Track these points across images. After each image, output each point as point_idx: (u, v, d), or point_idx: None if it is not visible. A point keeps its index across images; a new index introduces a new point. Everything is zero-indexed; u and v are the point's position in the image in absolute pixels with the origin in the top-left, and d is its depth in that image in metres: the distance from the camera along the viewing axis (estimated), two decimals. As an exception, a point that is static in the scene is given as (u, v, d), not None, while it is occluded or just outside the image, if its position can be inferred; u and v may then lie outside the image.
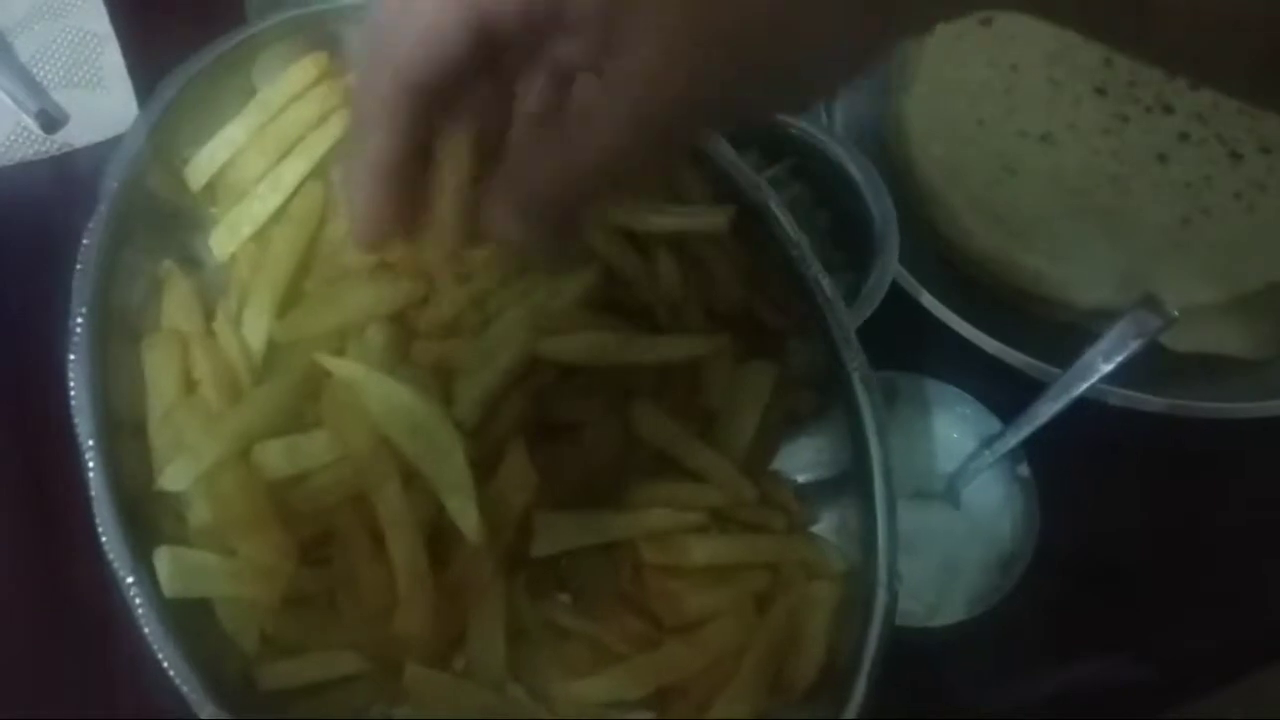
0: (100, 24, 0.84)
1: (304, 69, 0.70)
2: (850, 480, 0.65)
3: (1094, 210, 0.86)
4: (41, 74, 0.83)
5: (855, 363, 0.65)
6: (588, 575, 0.62)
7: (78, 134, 0.80)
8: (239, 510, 0.58)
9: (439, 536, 0.59)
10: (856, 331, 0.71)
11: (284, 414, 0.62)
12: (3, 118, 0.80)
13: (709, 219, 0.67)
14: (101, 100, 0.80)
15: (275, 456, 0.61)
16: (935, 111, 0.91)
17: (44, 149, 0.80)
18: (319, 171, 0.68)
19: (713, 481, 0.64)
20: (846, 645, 0.61)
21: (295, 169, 0.67)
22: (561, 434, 0.64)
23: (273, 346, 0.65)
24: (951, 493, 0.78)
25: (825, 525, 0.66)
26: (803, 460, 0.68)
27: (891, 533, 0.62)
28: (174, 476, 0.59)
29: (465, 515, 0.56)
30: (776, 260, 0.68)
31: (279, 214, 0.67)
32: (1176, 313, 0.75)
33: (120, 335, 0.62)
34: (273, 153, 0.68)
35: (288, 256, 0.66)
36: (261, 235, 0.66)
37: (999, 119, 0.90)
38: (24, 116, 0.79)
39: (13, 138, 0.80)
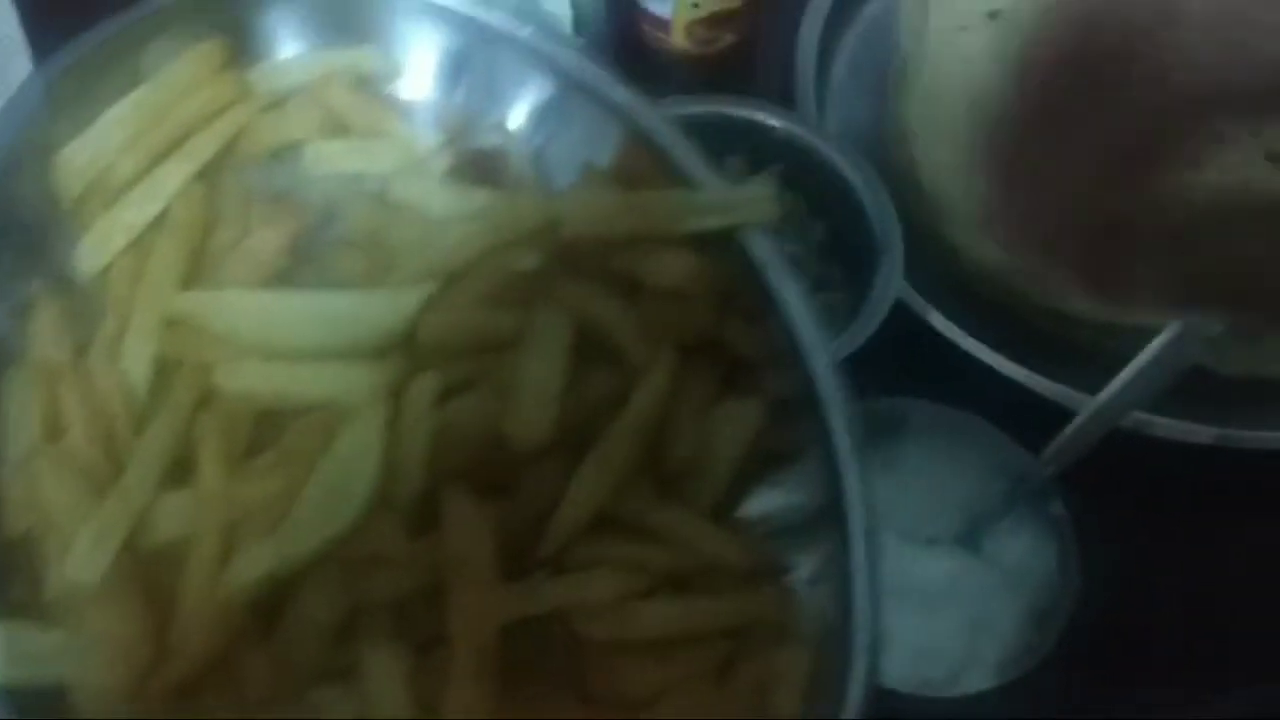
0: (8, 27, 0.76)
1: (199, 57, 0.62)
2: (825, 523, 0.55)
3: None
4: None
5: (827, 385, 0.56)
6: (516, 653, 0.52)
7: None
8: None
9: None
10: (857, 355, 0.67)
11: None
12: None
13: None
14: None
15: (171, 516, 0.52)
16: (940, 111, 0.83)
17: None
18: (206, 174, 0.60)
19: (675, 540, 0.55)
20: (823, 722, 0.51)
21: (177, 172, 0.59)
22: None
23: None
24: (973, 538, 0.68)
25: (801, 576, 0.57)
26: (772, 500, 0.59)
27: (873, 584, 0.52)
28: (83, 565, 0.50)
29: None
30: (744, 275, 0.59)
31: (157, 223, 0.58)
32: (1223, 329, 0.67)
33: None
34: (153, 153, 0.59)
35: (171, 273, 0.57)
36: (138, 247, 0.58)
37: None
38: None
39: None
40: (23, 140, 0.57)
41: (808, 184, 0.77)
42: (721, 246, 0.59)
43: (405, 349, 0.56)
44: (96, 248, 0.58)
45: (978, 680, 0.64)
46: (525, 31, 0.63)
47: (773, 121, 0.77)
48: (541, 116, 0.65)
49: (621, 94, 0.62)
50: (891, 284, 0.71)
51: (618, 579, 0.54)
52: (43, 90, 0.59)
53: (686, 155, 0.60)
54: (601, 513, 0.55)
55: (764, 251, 0.58)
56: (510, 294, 0.58)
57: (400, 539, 0.52)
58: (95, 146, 0.59)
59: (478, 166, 0.64)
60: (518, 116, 0.65)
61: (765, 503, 0.59)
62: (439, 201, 0.62)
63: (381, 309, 0.56)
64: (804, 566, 0.57)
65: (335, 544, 0.51)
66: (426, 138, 0.64)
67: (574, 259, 0.59)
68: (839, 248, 0.77)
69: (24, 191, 0.58)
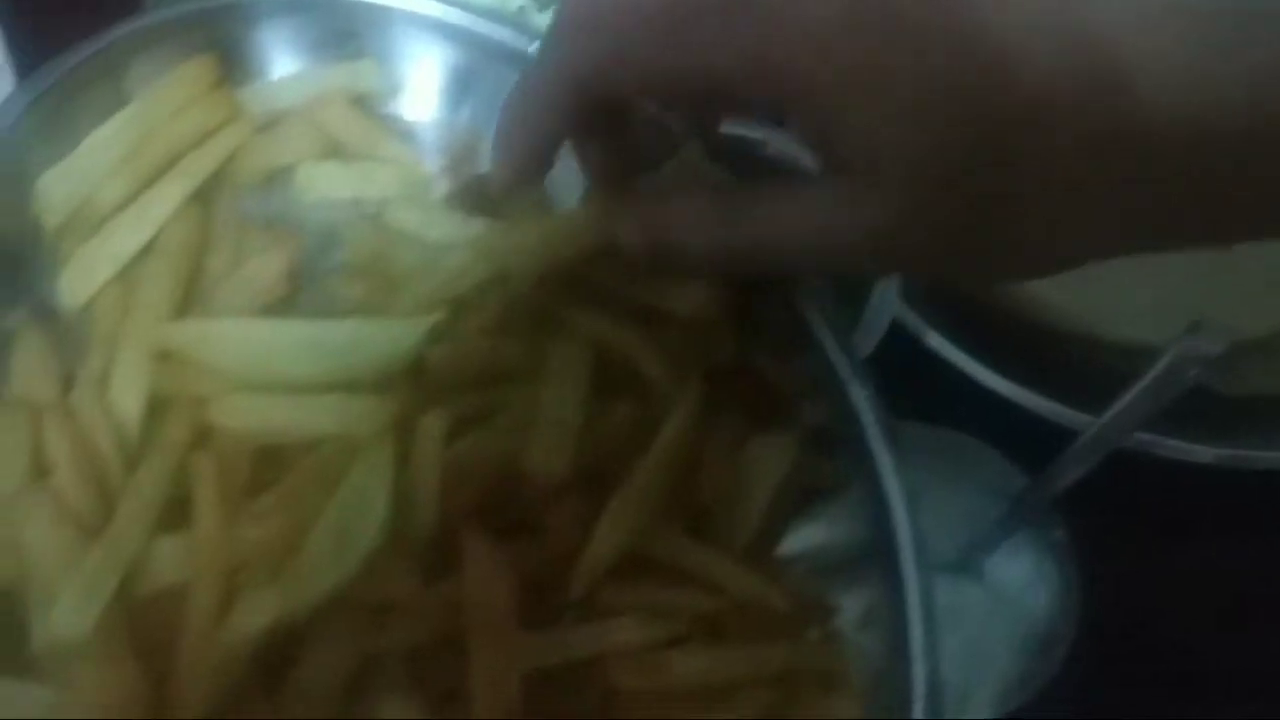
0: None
1: (188, 76, 0.58)
2: (872, 561, 0.52)
3: None
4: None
5: (870, 412, 0.52)
6: (546, 704, 0.48)
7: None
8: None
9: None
10: None
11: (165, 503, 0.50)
12: None
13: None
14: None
15: (167, 561, 0.48)
16: None
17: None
18: (198, 198, 0.56)
19: (710, 582, 0.52)
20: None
21: (168, 197, 0.56)
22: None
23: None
24: (972, 564, 0.67)
25: (848, 618, 0.53)
26: (813, 537, 0.55)
27: (930, 624, 0.49)
28: (70, 618, 0.45)
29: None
30: (773, 300, 0.55)
31: (146, 250, 0.55)
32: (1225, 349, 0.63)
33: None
34: (141, 177, 0.56)
35: (162, 302, 0.53)
36: (126, 277, 0.54)
37: None
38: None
39: None
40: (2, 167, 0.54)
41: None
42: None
43: (411, 381, 0.52)
44: (81, 278, 0.54)
45: (977, 709, 0.62)
46: (533, 47, 0.59)
47: (758, 137, 0.72)
48: (552, 137, 0.61)
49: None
50: (887, 302, 0.68)
51: (649, 625, 0.50)
52: (21, 112, 0.55)
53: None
54: (630, 554, 0.51)
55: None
56: (521, 323, 0.55)
57: (415, 583, 0.48)
58: (78, 171, 0.55)
59: (479, 193, 0.61)
60: (526, 137, 0.62)
61: (804, 540, 0.55)
62: (438, 228, 0.59)
63: (386, 339, 0.53)
64: (850, 608, 0.53)
65: (345, 589, 0.47)
66: (426, 161, 0.61)
67: (588, 286, 0.56)
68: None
69: (5, 220, 0.54)
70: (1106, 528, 0.68)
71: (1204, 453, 0.68)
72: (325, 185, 0.59)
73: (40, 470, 0.50)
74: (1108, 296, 0.74)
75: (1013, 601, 0.67)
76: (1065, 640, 0.64)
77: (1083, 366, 0.75)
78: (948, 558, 0.67)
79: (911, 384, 0.67)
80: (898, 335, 0.69)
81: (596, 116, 0.48)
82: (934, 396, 0.70)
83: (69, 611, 0.45)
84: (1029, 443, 0.67)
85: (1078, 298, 0.75)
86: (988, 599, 0.67)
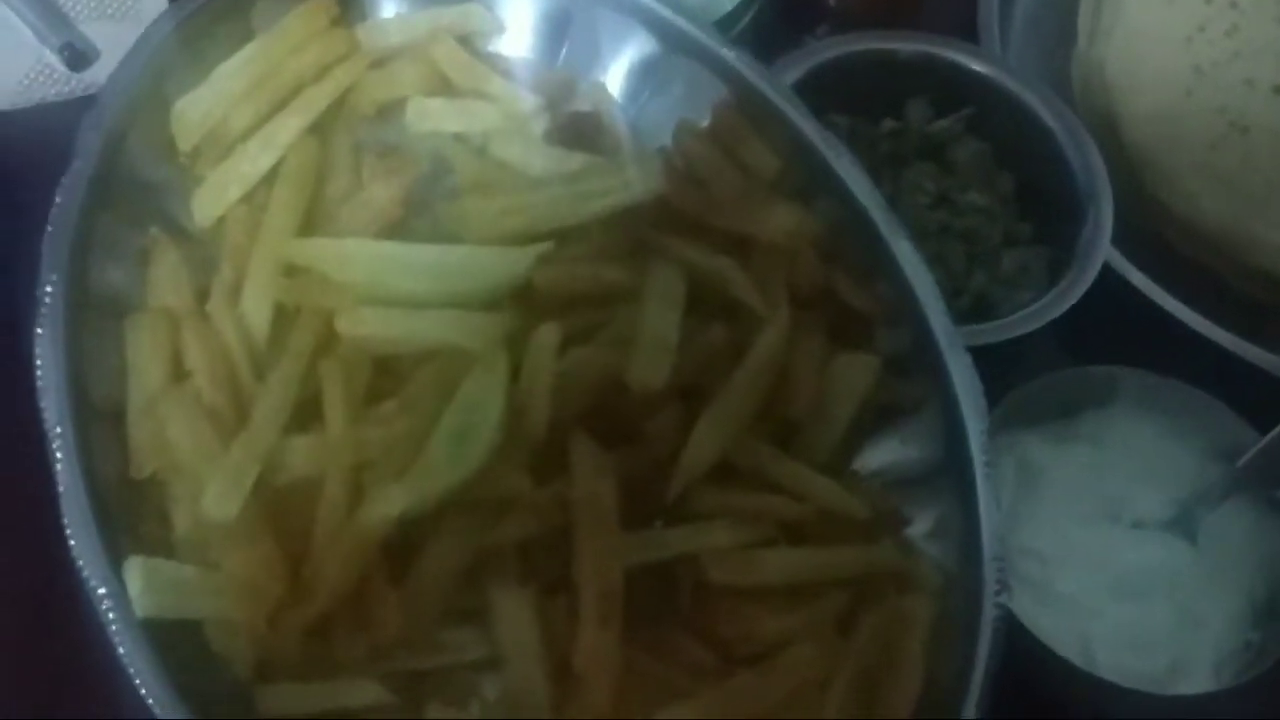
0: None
1: (309, 14, 0.62)
2: (946, 475, 0.56)
3: None
4: (69, 4, 0.72)
5: (945, 336, 0.56)
6: (642, 599, 0.52)
7: (108, 72, 0.68)
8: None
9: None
10: (1063, 318, 0.65)
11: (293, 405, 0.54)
12: (22, 53, 0.69)
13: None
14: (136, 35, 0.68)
15: (299, 457, 0.52)
16: (1142, 58, 0.77)
17: (68, 89, 0.69)
18: (317, 127, 0.60)
19: (794, 491, 0.56)
20: (950, 669, 0.51)
21: (291, 125, 0.60)
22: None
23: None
24: (1187, 523, 0.61)
25: (919, 530, 0.57)
26: (888, 454, 0.59)
27: (996, 534, 0.53)
28: (218, 503, 0.49)
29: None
30: (856, 231, 0.59)
31: (271, 174, 0.58)
32: None
33: (100, 311, 0.54)
34: (266, 106, 0.60)
35: (287, 222, 0.57)
36: (252, 198, 0.58)
37: (1221, 66, 0.75)
38: (46, 52, 0.68)
39: (33, 75, 0.69)
40: (139, 94, 0.57)
41: (996, 131, 0.72)
42: (830, 199, 0.60)
43: (519, 301, 0.56)
44: (212, 198, 0.58)
45: (1196, 681, 0.58)
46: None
47: (970, 61, 0.73)
48: (642, 76, 0.66)
49: (726, 53, 0.62)
50: (1101, 240, 0.66)
51: (738, 528, 0.54)
52: (158, 44, 0.59)
53: (796, 113, 0.61)
54: (721, 462, 0.55)
55: (873, 204, 0.59)
56: (619, 249, 0.59)
57: (526, 483, 0.52)
58: (210, 100, 0.59)
59: (575, 130, 0.65)
60: (618, 75, 0.66)
61: (881, 455, 0.59)
62: (538, 162, 0.62)
63: (499, 263, 0.57)
64: (920, 522, 0.57)
65: (463, 487, 0.51)
66: (526, 98, 0.64)
67: (679, 216, 0.60)
68: (1031, 201, 0.72)
69: (141, 144, 0.57)
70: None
71: None
72: (431, 119, 0.63)
73: (179, 374, 0.54)
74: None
75: (1232, 565, 0.61)
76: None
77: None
78: (1161, 515, 0.62)
79: (1132, 333, 0.67)
80: (1103, 277, 0.66)
81: None
82: (1156, 347, 0.67)
83: (217, 497, 0.49)
84: (1245, 394, 0.63)
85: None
86: (1203, 561, 0.61)
